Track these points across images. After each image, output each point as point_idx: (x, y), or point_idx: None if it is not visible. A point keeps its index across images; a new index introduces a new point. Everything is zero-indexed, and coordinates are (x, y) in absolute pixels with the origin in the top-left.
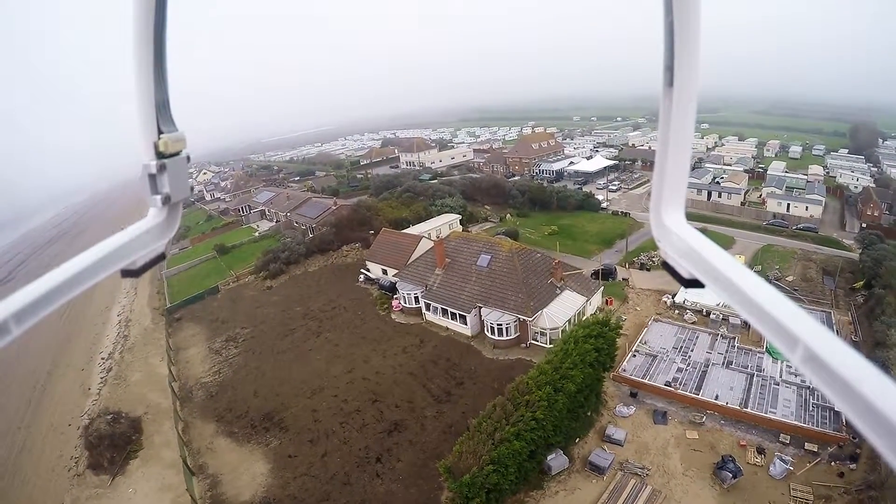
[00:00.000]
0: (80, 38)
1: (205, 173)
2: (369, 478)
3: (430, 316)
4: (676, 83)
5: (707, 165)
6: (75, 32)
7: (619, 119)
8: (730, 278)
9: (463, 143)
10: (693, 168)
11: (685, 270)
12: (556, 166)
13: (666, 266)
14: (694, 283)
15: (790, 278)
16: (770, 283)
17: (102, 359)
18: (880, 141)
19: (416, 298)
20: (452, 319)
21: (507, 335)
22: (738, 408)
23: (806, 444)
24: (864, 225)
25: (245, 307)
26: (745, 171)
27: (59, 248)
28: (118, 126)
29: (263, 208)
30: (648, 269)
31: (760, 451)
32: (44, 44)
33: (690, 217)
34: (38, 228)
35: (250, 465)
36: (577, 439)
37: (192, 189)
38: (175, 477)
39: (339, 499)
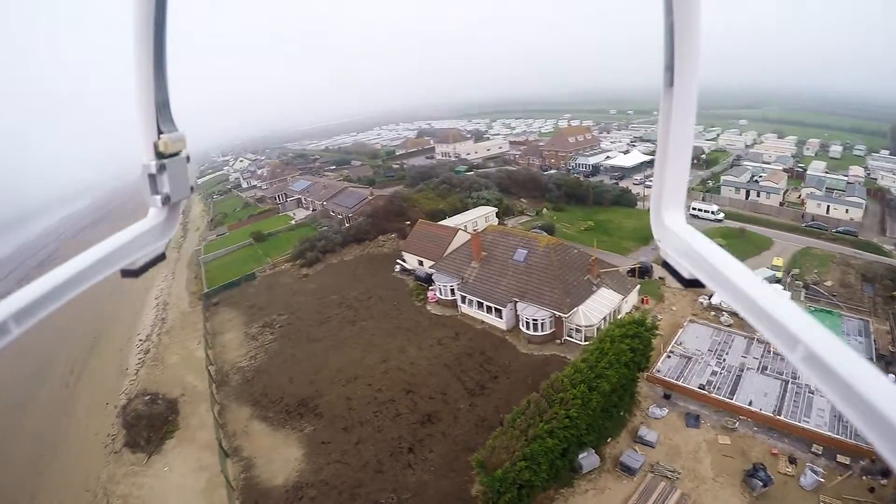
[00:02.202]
0: (79, 37)
1: (241, 161)
2: (401, 467)
3: (465, 308)
4: (677, 83)
5: (745, 163)
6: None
7: (655, 113)
8: (730, 278)
9: (498, 134)
10: (731, 165)
11: (686, 270)
12: (593, 160)
13: (666, 266)
14: (694, 284)
15: (828, 283)
16: (808, 287)
17: (140, 340)
18: None
19: (452, 291)
20: (488, 313)
21: (542, 330)
22: (771, 415)
23: (838, 455)
24: None
25: (281, 294)
26: (785, 170)
27: (99, 231)
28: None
29: (300, 197)
30: None
31: (792, 460)
32: (42, 44)
33: (728, 216)
34: (71, 215)
35: (284, 449)
36: (609, 439)
37: (191, 189)
38: (210, 458)
39: (371, 486)
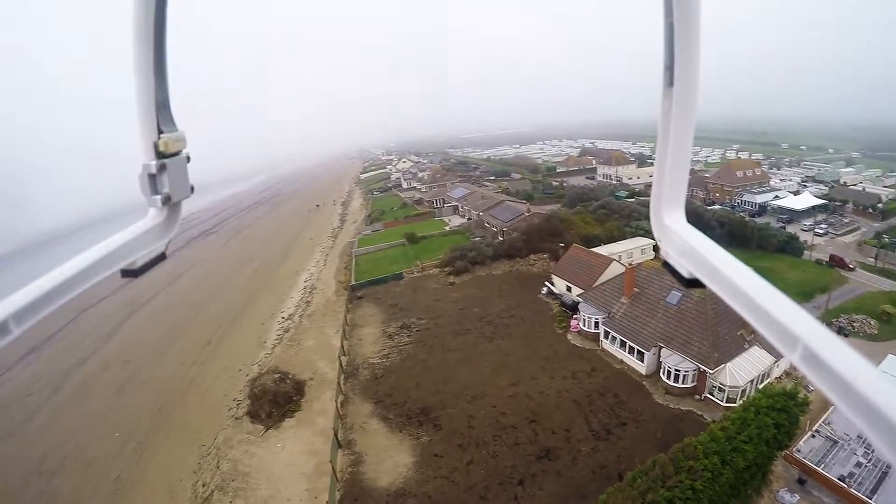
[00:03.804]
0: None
1: (404, 162)
2: (507, 499)
3: (606, 344)
4: (676, 83)
5: None
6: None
7: (830, 151)
8: (730, 278)
9: None
10: None
11: (685, 270)
12: (760, 199)
13: (666, 266)
14: (694, 283)
15: None
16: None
17: (283, 318)
18: None
19: (597, 324)
20: (629, 353)
21: (682, 382)
22: None
23: None
24: None
25: (425, 299)
26: None
27: (260, 211)
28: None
29: (457, 204)
30: (846, 335)
31: None
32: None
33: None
34: (245, 192)
35: (396, 453)
36: None
37: (191, 189)
38: (323, 445)
39: None
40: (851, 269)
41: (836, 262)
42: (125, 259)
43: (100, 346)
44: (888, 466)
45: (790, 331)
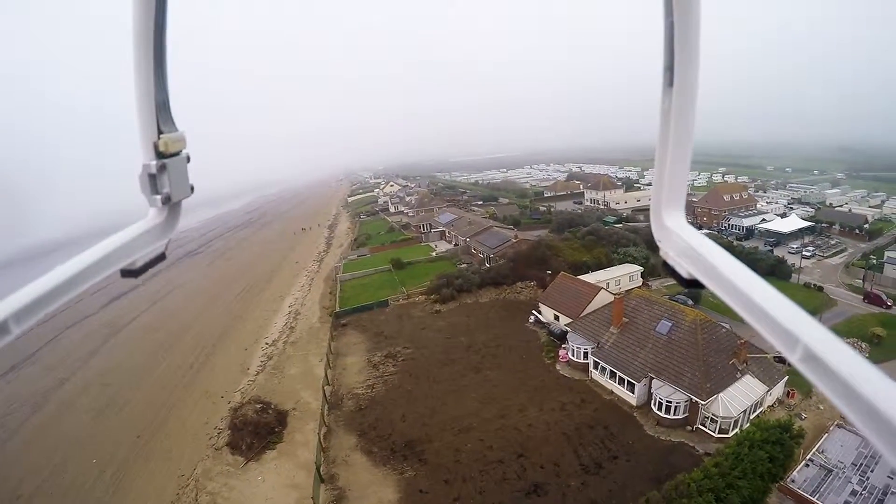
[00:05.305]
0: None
1: (392, 185)
2: None
3: (596, 375)
4: (676, 84)
5: None
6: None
7: (815, 172)
8: (729, 278)
9: (650, 184)
10: None
11: (685, 270)
12: (747, 222)
13: (666, 266)
14: (694, 284)
15: None
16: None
17: (266, 344)
18: None
19: (586, 354)
20: (619, 384)
21: (674, 414)
22: None
23: None
24: None
25: (410, 327)
26: None
27: (246, 232)
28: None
29: (444, 229)
30: None
31: None
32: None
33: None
34: (231, 212)
35: (380, 489)
36: None
37: (191, 189)
38: (305, 478)
39: None
40: (889, 307)
41: (874, 301)
42: (125, 259)
43: (80, 367)
44: (884, 494)
45: (790, 331)
